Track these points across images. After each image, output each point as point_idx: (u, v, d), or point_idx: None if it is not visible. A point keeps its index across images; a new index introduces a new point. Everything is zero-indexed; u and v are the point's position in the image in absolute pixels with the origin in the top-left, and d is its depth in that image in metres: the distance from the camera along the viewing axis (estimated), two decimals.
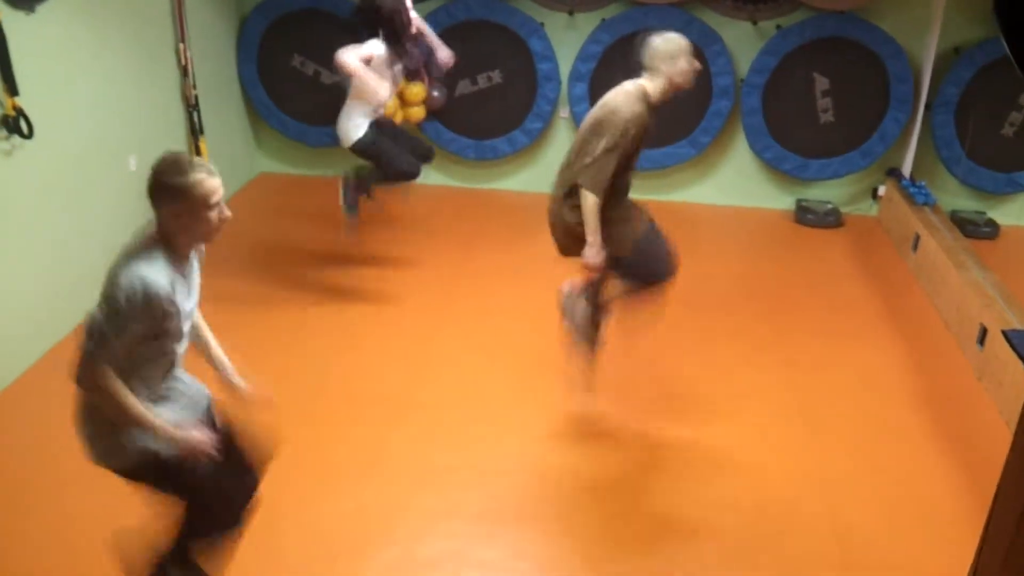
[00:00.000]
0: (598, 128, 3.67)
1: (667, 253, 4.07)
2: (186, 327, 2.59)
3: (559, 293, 4.21)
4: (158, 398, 2.60)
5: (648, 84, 3.67)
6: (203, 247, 2.67)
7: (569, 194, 3.80)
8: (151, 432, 2.47)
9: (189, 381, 2.78)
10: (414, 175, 5.28)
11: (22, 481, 3.83)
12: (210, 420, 2.82)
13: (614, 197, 3.79)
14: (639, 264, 3.94)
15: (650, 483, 4.00)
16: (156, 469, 2.60)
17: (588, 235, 3.66)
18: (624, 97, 3.65)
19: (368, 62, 4.88)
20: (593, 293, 4.06)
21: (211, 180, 2.43)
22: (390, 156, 5.13)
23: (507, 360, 4.91)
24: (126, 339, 2.39)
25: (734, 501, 3.89)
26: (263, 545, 3.48)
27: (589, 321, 4.10)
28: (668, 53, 3.61)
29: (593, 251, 3.66)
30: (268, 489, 3.81)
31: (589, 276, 3.79)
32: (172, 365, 2.65)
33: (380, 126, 5.18)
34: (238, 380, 2.92)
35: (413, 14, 5.10)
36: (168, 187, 2.39)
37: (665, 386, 4.74)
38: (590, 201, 3.61)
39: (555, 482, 3.98)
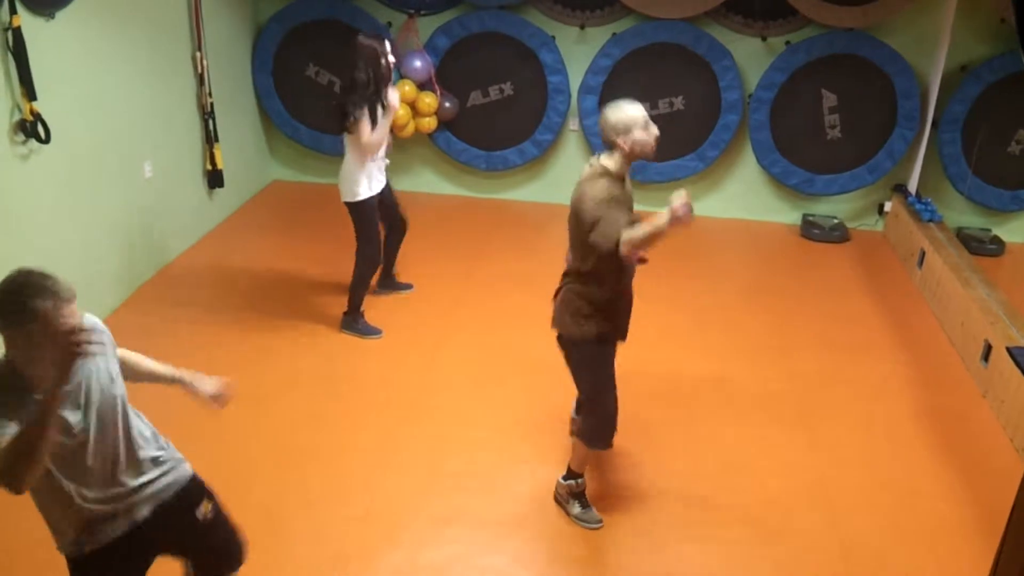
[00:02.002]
0: (578, 217, 3.47)
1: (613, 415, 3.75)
2: (97, 430, 2.37)
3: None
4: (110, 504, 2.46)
5: (607, 160, 3.48)
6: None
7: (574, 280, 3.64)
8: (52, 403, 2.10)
9: (155, 475, 2.58)
10: (380, 260, 5.45)
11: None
12: (188, 505, 2.67)
13: (614, 276, 3.56)
14: (595, 387, 3.73)
15: (654, 493, 4.03)
16: (87, 570, 2.51)
17: (655, 235, 3.28)
18: (586, 181, 3.48)
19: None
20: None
21: (62, 308, 2.12)
22: (372, 233, 5.21)
23: (515, 367, 4.96)
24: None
25: (738, 511, 3.93)
26: (272, 548, 3.54)
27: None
28: (622, 126, 3.40)
29: (675, 209, 3.21)
30: (277, 493, 3.87)
31: (685, 222, 3.26)
32: (113, 463, 2.45)
33: (381, 197, 5.21)
34: (193, 382, 2.77)
35: (391, 59, 5.01)
36: (6, 313, 2.12)
37: (669, 396, 4.79)
38: (623, 241, 3.30)
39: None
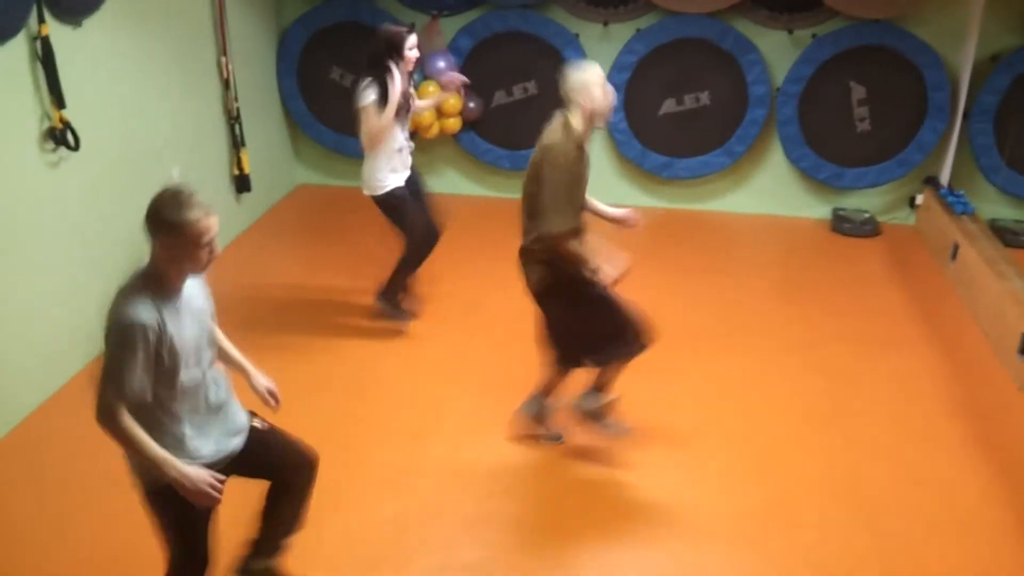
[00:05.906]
0: (537, 172, 3.70)
1: (624, 325, 3.94)
2: (196, 355, 2.62)
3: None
4: (196, 432, 2.67)
5: (571, 117, 3.67)
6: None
7: (535, 240, 3.89)
8: (161, 470, 2.49)
9: (231, 411, 2.85)
10: (436, 236, 5.24)
11: (44, 508, 3.91)
12: (251, 446, 2.88)
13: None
14: (589, 325, 3.95)
15: (688, 493, 4.00)
16: (164, 501, 2.65)
17: (588, 264, 3.69)
18: (549, 132, 3.68)
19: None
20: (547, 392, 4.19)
21: (207, 220, 2.45)
22: (409, 220, 5.08)
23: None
24: (132, 375, 2.43)
25: (770, 509, 3.88)
26: (304, 553, 3.53)
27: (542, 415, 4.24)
28: (580, 83, 3.64)
29: (606, 267, 3.66)
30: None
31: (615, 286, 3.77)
32: (204, 396, 2.68)
33: (408, 183, 5.11)
34: (252, 374, 3.04)
35: (414, 53, 5.00)
36: (164, 222, 2.43)
37: (700, 393, 4.75)
38: (567, 240, 3.65)
39: (591, 491, 4.01)
